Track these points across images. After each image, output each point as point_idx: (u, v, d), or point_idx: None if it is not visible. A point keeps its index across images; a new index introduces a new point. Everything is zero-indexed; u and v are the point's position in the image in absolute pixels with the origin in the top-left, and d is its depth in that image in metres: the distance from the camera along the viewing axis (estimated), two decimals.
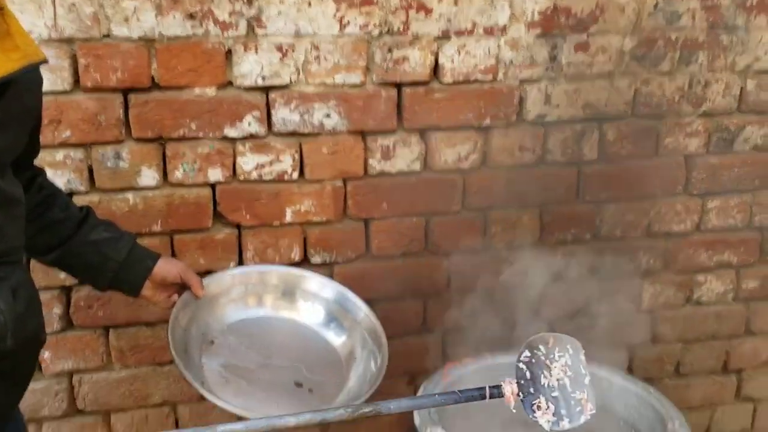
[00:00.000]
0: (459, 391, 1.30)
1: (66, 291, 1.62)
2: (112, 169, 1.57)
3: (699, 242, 1.96)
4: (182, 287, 1.42)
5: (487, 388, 1.31)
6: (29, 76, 1.01)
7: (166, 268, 1.38)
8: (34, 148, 1.19)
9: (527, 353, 1.31)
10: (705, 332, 2.04)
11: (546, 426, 1.28)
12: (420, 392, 1.38)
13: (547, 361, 1.30)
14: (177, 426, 1.76)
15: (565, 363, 1.31)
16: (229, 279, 1.52)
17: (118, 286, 1.36)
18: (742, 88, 1.87)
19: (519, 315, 1.89)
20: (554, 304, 1.89)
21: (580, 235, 1.87)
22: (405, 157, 1.70)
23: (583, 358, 1.33)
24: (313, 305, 1.54)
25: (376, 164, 1.69)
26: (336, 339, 1.52)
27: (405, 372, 1.85)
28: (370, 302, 1.77)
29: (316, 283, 1.56)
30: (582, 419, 1.28)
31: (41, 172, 1.29)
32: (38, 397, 1.65)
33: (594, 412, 1.27)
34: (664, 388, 2.01)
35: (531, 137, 1.76)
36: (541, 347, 1.32)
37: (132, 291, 1.37)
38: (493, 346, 1.59)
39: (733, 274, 2.02)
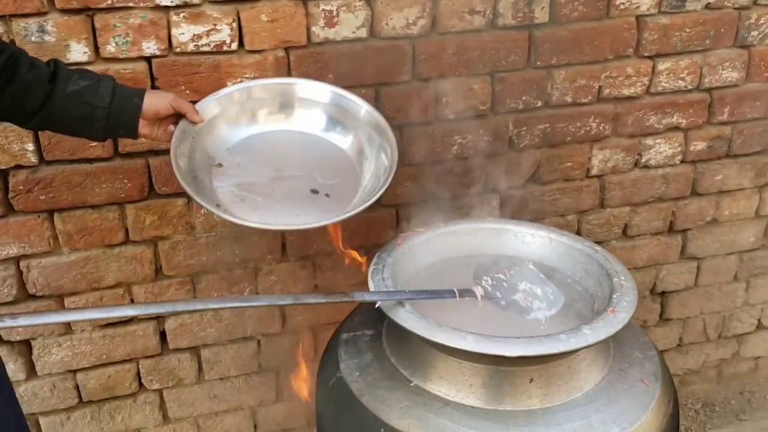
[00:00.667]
0: (430, 291, 1.32)
1: (3, 175, 1.56)
2: (38, 44, 1.47)
3: (649, 105, 1.96)
4: (177, 117, 1.38)
5: (457, 291, 1.33)
6: None
7: (155, 101, 1.33)
8: None
9: (486, 278, 1.38)
10: (652, 194, 2.09)
11: (542, 316, 1.35)
12: (374, 261, 1.39)
13: (505, 283, 1.38)
14: None
15: (521, 278, 1.41)
16: (223, 100, 1.46)
17: (115, 132, 1.32)
18: None
19: (472, 186, 1.91)
20: (505, 173, 1.90)
21: (532, 102, 1.85)
22: (350, 23, 1.63)
23: (532, 266, 1.43)
24: (312, 112, 1.51)
25: (319, 31, 1.62)
26: (343, 141, 1.51)
27: (360, 246, 1.85)
28: None
29: (309, 88, 1.51)
30: (563, 300, 1.36)
31: None
32: None
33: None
34: (611, 250, 2.07)
35: None
36: (492, 273, 1.41)
37: (129, 133, 1.33)
38: (446, 217, 1.60)
39: (682, 136, 2.04)
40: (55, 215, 1.63)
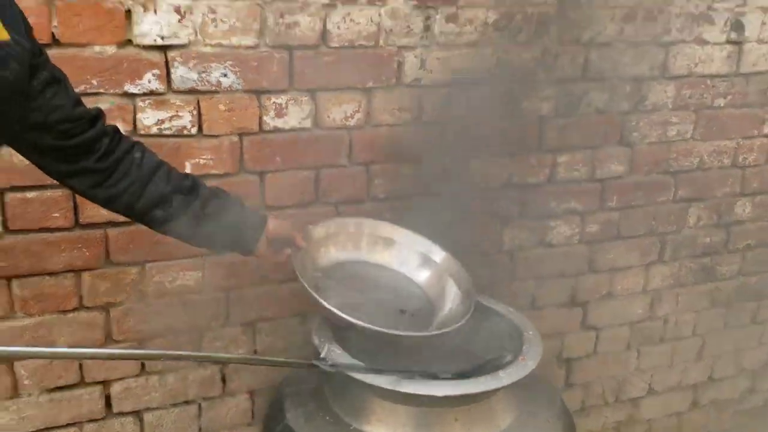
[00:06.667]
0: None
1: None
2: None
3: (550, 192, 2.27)
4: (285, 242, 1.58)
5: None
6: None
7: (280, 225, 1.55)
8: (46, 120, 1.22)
9: None
10: (555, 270, 2.37)
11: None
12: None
13: None
14: (81, 374, 1.85)
15: None
16: (328, 227, 1.75)
17: (234, 248, 1.54)
18: (586, 58, 2.17)
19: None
20: None
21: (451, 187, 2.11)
22: (296, 114, 1.86)
23: None
24: (404, 253, 1.76)
25: (270, 121, 1.84)
26: (423, 280, 1.74)
27: (297, 313, 2.03)
28: None
29: (403, 235, 1.79)
30: None
31: (128, 146, 1.37)
32: None
33: None
34: None
35: (408, 98, 1.97)
36: None
37: (248, 251, 1.53)
38: None
39: (578, 219, 2.35)
40: (13, 281, 1.73)
